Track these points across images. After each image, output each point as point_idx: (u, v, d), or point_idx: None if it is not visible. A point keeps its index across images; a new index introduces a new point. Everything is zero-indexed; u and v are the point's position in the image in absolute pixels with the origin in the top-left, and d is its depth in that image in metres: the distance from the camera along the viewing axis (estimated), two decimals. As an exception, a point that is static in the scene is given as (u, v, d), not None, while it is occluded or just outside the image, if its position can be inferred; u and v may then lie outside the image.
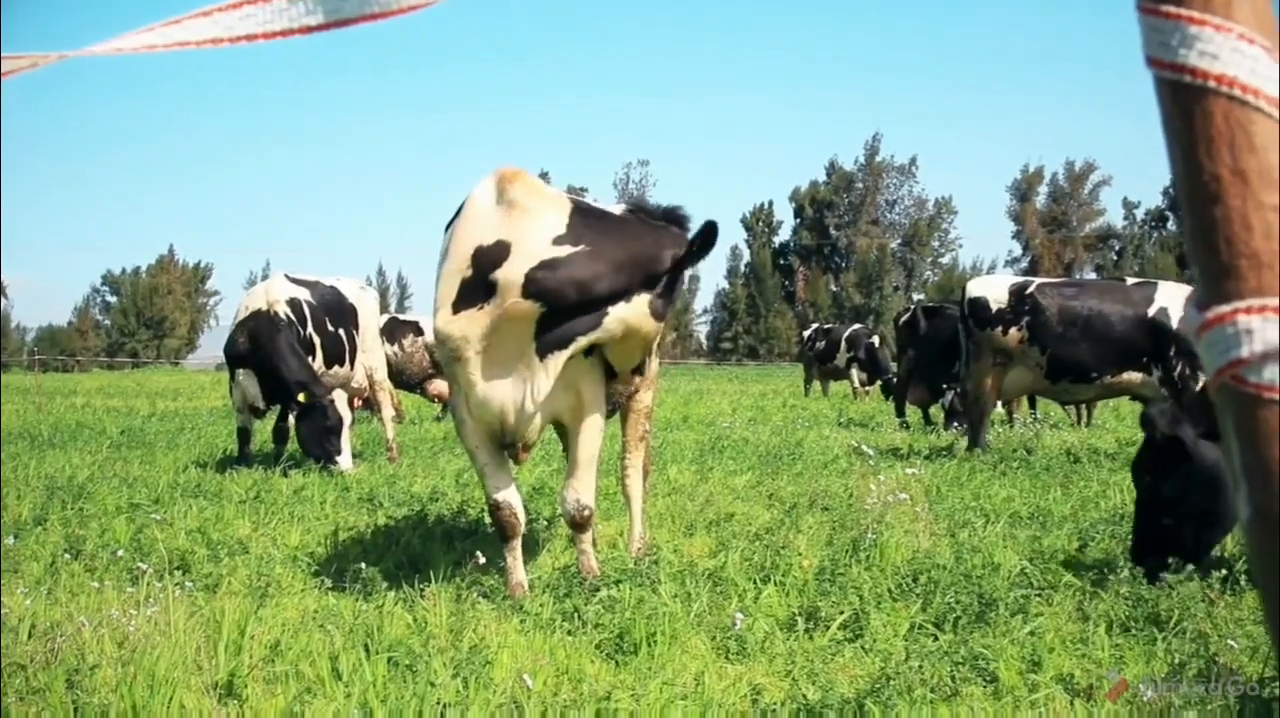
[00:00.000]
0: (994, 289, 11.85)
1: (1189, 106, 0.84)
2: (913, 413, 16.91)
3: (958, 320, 15.32)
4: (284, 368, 10.72)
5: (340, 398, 10.89)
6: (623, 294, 5.06)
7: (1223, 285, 0.83)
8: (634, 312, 5.13)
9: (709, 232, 5.18)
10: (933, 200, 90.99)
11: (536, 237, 4.99)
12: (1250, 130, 0.82)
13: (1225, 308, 0.81)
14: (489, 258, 4.99)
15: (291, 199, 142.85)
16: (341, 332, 12.01)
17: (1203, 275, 0.84)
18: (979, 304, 11.74)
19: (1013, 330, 11.45)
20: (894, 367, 20.91)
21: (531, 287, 4.93)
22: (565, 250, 4.97)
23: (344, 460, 10.56)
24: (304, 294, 11.66)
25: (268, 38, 0.97)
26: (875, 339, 25.82)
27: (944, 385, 14.85)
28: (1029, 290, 11.52)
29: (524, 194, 5.09)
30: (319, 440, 10.62)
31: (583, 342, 5.12)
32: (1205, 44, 0.83)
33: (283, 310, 11.10)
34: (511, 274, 4.94)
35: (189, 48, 0.97)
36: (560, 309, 4.99)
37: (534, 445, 5.57)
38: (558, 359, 5.11)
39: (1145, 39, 0.87)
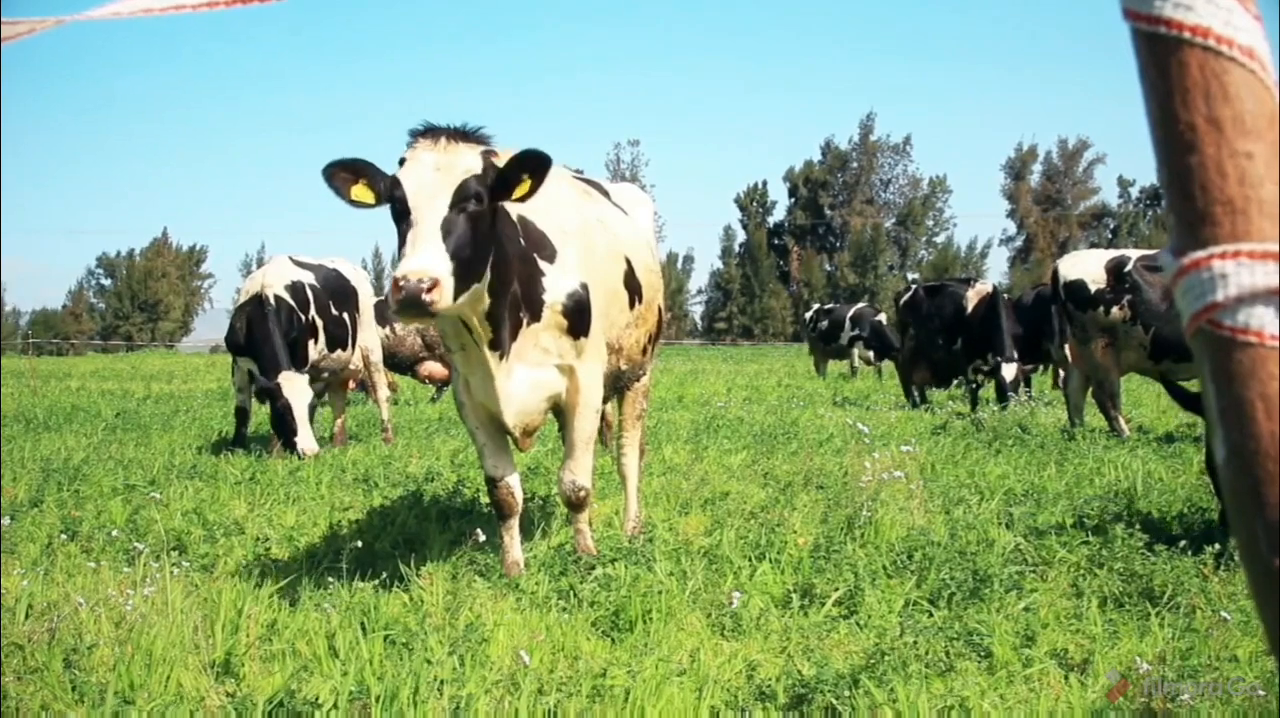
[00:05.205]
0: (1089, 268, 11.39)
1: (1164, 58, 0.86)
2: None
3: (960, 299, 15.29)
4: (261, 355, 10.62)
5: (293, 379, 10.49)
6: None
7: (1198, 232, 0.84)
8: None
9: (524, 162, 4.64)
10: (927, 179, 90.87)
11: None
12: (1224, 80, 0.84)
13: (1201, 253, 0.83)
14: None
15: (286, 181, 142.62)
16: (345, 314, 11.87)
17: (1179, 223, 0.86)
18: (1077, 285, 11.30)
19: (1115, 310, 11.05)
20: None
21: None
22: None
23: (301, 439, 10.30)
24: (308, 277, 11.48)
25: (263, 0, 0.97)
26: (881, 317, 26.04)
27: (981, 362, 14.66)
28: (1128, 267, 11.11)
29: None
30: (276, 426, 10.51)
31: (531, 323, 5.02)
32: None
33: (273, 295, 10.89)
34: None
35: (185, 10, 0.97)
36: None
37: (534, 431, 5.41)
38: (520, 347, 5.01)
39: (1122, -7, 0.88)
